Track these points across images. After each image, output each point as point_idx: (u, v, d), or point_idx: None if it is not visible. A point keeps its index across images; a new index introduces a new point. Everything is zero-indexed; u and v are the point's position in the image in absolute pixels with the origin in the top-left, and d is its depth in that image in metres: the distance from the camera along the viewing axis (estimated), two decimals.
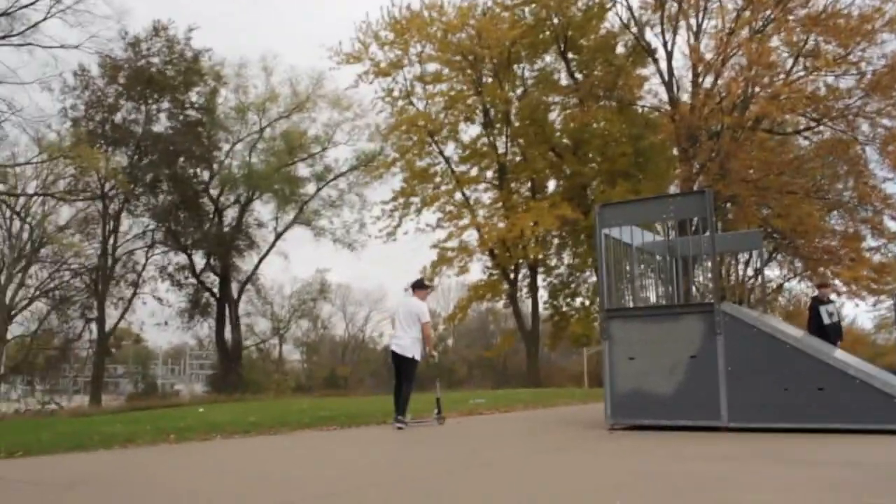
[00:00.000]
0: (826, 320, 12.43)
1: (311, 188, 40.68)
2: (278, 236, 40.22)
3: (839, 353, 9.74)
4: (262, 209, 40.73)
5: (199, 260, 38.81)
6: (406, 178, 34.38)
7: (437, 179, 34.60)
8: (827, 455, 6.44)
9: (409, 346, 10.65)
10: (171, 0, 63.98)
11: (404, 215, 33.68)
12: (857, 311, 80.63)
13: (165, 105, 37.08)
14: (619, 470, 5.95)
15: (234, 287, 39.75)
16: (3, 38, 28.59)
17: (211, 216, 39.32)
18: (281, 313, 48.00)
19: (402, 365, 10.72)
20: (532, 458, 6.80)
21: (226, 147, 39.45)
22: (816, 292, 13.77)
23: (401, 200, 33.78)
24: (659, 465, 6.20)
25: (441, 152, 34.65)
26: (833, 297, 17.51)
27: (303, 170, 40.90)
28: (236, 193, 39.82)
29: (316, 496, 4.81)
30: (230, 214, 40.15)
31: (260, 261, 40.09)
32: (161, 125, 37.10)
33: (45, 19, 29.31)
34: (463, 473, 5.87)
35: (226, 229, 39.27)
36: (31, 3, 28.80)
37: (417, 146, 34.27)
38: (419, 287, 11.24)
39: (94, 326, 36.47)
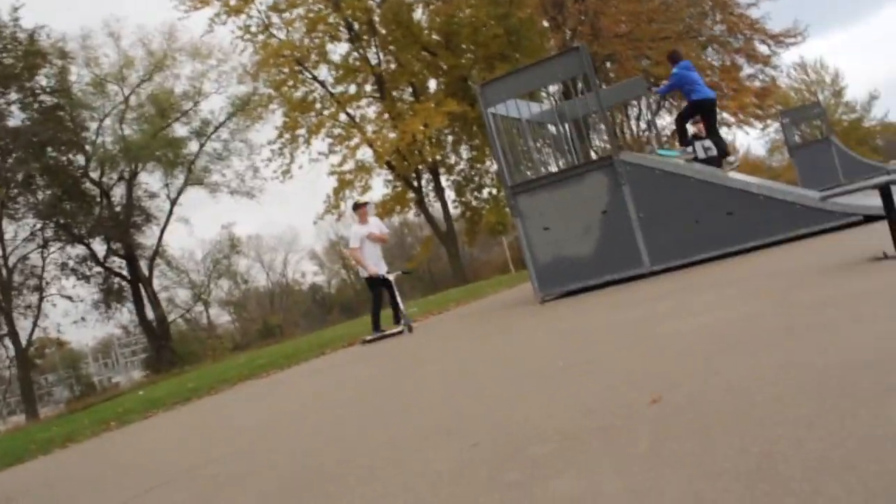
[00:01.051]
0: (702, 154, 12.74)
1: (193, 146, 39.31)
2: (173, 203, 38.96)
3: (739, 175, 9.98)
4: (150, 179, 39.30)
5: (99, 247, 37.29)
6: (286, 111, 33.39)
7: (318, 106, 33.73)
8: (748, 272, 6.60)
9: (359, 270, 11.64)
10: None
11: (294, 150, 32.89)
12: (749, 140, 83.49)
13: (14, 96, 34.67)
14: (554, 332, 5.98)
15: (144, 265, 38.51)
16: None
17: (98, 199, 37.61)
18: (198, 279, 46.85)
19: None
20: (472, 345, 6.79)
21: (94, 126, 37.51)
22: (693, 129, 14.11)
23: (287, 136, 32.89)
24: (591, 318, 6.26)
25: (315, 78, 33.67)
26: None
27: (180, 129, 39.40)
28: (118, 170, 38.12)
29: (293, 413, 4.67)
30: (118, 193, 38.53)
31: (162, 232, 38.87)
32: (16, 118, 34.82)
33: None
34: (412, 372, 5.80)
35: (117, 209, 37.71)
36: None
37: (290, 77, 33.17)
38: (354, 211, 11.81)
39: (8, 342, 34.91)
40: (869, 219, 7.54)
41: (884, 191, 4.79)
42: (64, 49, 35.58)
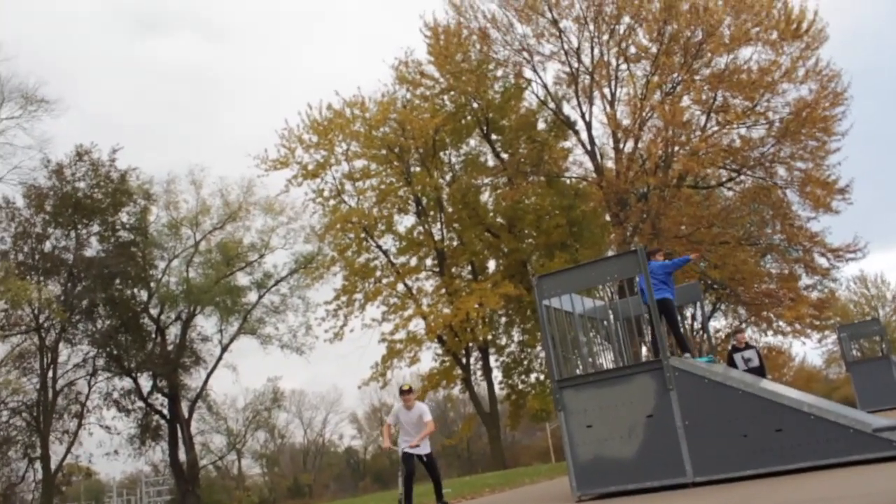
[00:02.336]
0: (741, 367, 12.62)
1: (252, 296, 40.24)
2: (224, 349, 39.44)
3: (793, 392, 9.86)
4: (206, 323, 40.01)
5: (145, 382, 37.71)
6: (346, 275, 34.20)
7: (378, 273, 34.43)
8: (796, 497, 6.42)
9: None
10: (94, 121, 64.05)
11: (349, 313, 33.26)
12: (805, 349, 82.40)
13: (95, 228, 36.52)
14: None
15: (185, 406, 38.64)
16: None
17: (153, 336, 38.43)
18: (236, 427, 46.67)
19: None
20: None
21: (162, 264, 38.88)
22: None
23: (343, 299, 33.46)
24: None
25: (379, 246, 34.63)
26: (753, 342, 17.90)
27: (242, 279, 40.48)
28: (177, 310, 39.08)
29: None
30: (173, 332, 39.35)
31: (208, 376, 39.17)
32: (93, 249, 36.47)
33: None
34: None
35: (170, 348, 38.38)
36: None
37: (354, 243, 34.18)
38: None
39: (38, 465, 34.87)
40: None
41: None
42: (149, 191, 37.75)
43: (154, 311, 38.53)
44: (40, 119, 31.56)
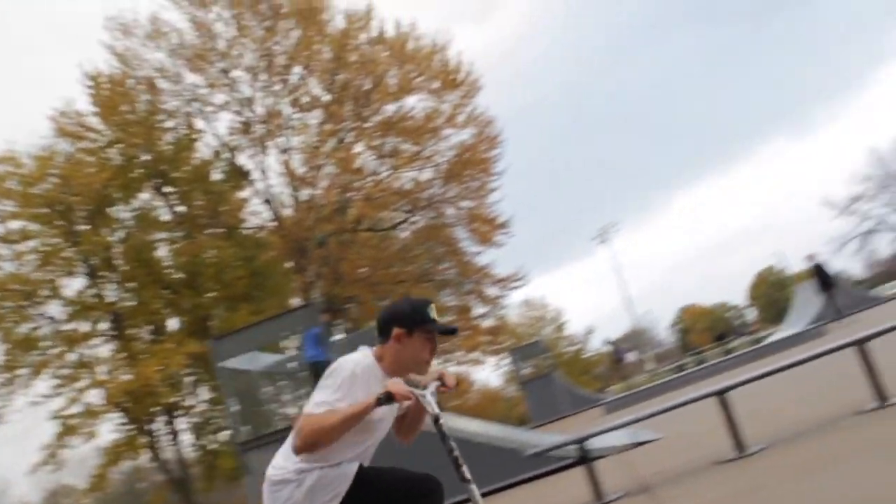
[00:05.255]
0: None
1: None
2: None
3: (466, 424, 10.49)
4: None
5: None
6: (7, 349, 30.65)
7: (44, 344, 31.33)
8: None
9: None
10: None
11: (11, 392, 29.82)
12: (487, 373, 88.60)
13: None
14: None
15: None
16: None
17: None
18: None
19: None
20: None
21: None
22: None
23: (5, 376, 29.95)
24: None
25: (42, 314, 31.53)
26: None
27: None
28: None
29: None
30: None
31: None
32: None
33: None
34: None
35: None
36: None
37: (14, 312, 30.81)
38: None
39: None
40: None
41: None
42: None
43: None
44: None
